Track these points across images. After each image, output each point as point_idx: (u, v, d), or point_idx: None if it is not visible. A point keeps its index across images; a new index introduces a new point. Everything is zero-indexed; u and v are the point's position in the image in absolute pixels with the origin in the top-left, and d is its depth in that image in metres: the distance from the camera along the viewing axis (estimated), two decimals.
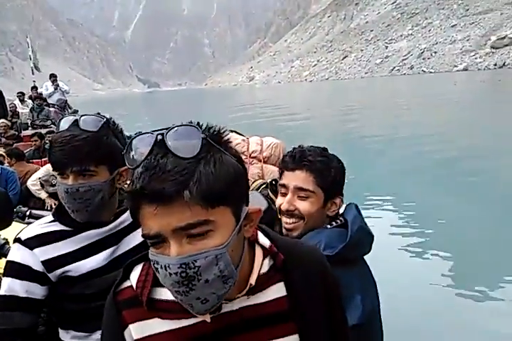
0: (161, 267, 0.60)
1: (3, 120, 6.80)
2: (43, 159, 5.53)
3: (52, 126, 7.44)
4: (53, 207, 4.07)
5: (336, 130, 16.83)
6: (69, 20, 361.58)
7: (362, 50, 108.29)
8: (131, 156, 0.63)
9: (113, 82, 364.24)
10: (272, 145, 2.30)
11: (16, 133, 7.00)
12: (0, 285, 1.13)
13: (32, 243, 1.12)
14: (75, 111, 8.06)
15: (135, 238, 1.18)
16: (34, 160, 5.55)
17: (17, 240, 1.14)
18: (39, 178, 4.32)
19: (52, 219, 1.18)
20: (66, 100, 8.06)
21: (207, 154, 0.60)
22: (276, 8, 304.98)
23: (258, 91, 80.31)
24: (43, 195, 4.32)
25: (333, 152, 1.29)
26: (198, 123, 0.64)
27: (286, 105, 30.88)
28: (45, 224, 1.17)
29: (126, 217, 1.19)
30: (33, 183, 4.32)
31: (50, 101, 8.31)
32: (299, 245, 0.83)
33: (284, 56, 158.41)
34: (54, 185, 4.23)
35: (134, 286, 0.72)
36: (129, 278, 0.74)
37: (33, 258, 1.10)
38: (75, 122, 1.08)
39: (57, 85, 8.59)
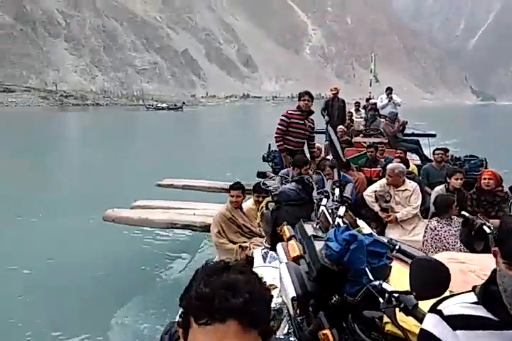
0: None
1: (341, 126, 7.78)
2: (372, 169, 5.95)
3: (380, 136, 7.98)
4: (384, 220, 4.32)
5: None
6: (412, 31, 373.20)
7: None
8: None
9: (444, 92, 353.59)
10: None
11: (349, 138, 7.86)
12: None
13: (456, 322, 1.03)
14: (404, 123, 8.30)
15: None
16: (365, 169, 5.97)
17: (437, 311, 1.08)
18: (375, 191, 4.54)
19: (475, 300, 1.06)
20: (397, 113, 8.42)
21: None
22: None
23: None
24: (376, 208, 4.50)
25: None
26: None
27: None
28: (468, 304, 1.06)
29: None
30: (369, 195, 4.55)
31: (382, 112, 8.91)
32: None
33: None
34: (387, 202, 4.47)
35: None
36: None
37: (453, 340, 1.01)
38: None
39: (391, 98, 9.09)
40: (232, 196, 4.21)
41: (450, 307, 1.06)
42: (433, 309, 1.09)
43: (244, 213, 4.32)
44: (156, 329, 3.95)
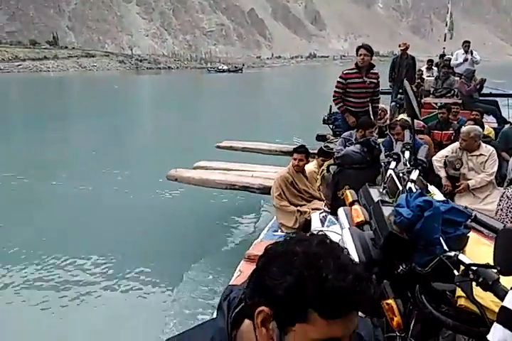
0: None
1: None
2: (443, 131, 5.52)
3: (453, 97, 7.35)
4: (448, 190, 4.00)
5: None
6: None
7: None
8: None
9: None
10: None
11: (419, 99, 7.34)
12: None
13: None
14: (482, 81, 7.55)
15: None
16: (435, 131, 5.54)
17: None
18: (446, 156, 4.20)
19: None
20: (474, 70, 7.64)
21: None
22: None
23: None
24: (442, 174, 4.17)
25: None
26: None
27: None
28: None
29: None
30: (438, 159, 4.23)
31: (457, 70, 8.12)
32: None
33: None
34: (457, 169, 4.11)
35: None
36: None
37: None
38: None
39: (471, 53, 8.24)
40: (295, 159, 4.09)
41: None
42: None
43: (306, 177, 4.21)
44: (215, 292, 4.02)
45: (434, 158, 4.29)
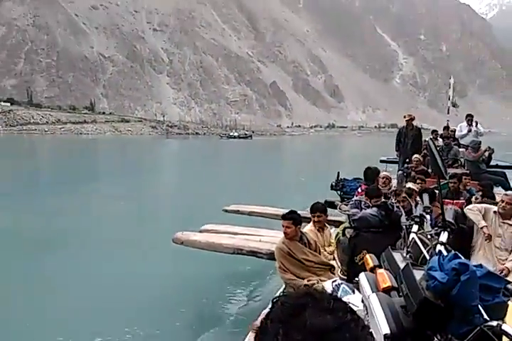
0: None
1: (416, 155, 7.39)
2: (454, 201, 5.47)
3: (460, 167, 7.41)
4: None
5: None
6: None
7: None
8: None
9: None
10: None
11: (426, 168, 7.41)
12: None
13: None
14: (490, 151, 7.62)
15: None
16: (445, 201, 5.49)
17: None
18: (478, 210, 3.99)
19: None
20: (480, 142, 7.78)
21: None
22: None
23: None
24: (482, 223, 3.94)
25: None
26: None
27: None
28: None
29: None
30: (472, 211, 4.02)
31: (462, 142, 8.28)
32: None
33: None
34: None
35: None
36: None
37: None
38: None
39: (476, 124, 8.44)
40: (283, 226, 3.77)
41: None
42: None
43: (306, 243, 3.86)
44: None
45: (467, 208, 4.08)
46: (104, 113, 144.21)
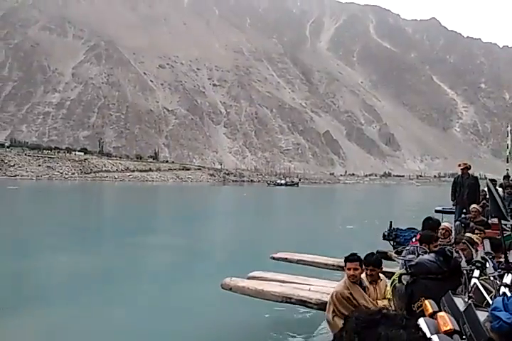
0: None
1: (474, 205, 7.07)
2: None
3: None
4: None
5: None
6: None
7: None
8: None
9: None
10: None
11: (485, 219, 7.05)
12: None
13: None
14: None
15: None
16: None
17: None
18: None
19: None
20: None
21: None
22: None
23: None
24: None
25: None
26: None
27: None
28: None
29: None
30: None
31: None
32: None
33: None
34: None
35: None
36: None
37: None
38: None
39: None
40: (349, 269, 3.61)
41: None
42: None
43: (364, 289, 3.74)
44: None
45: None
46: (167, 161, 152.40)
